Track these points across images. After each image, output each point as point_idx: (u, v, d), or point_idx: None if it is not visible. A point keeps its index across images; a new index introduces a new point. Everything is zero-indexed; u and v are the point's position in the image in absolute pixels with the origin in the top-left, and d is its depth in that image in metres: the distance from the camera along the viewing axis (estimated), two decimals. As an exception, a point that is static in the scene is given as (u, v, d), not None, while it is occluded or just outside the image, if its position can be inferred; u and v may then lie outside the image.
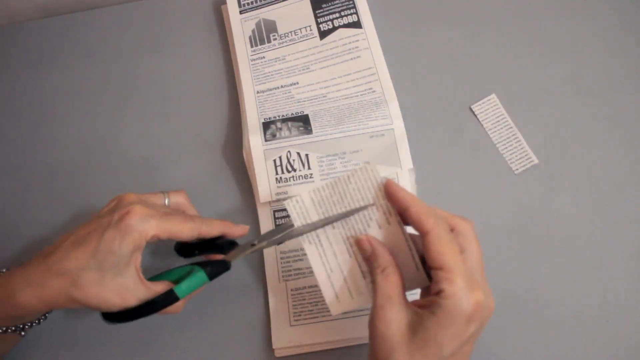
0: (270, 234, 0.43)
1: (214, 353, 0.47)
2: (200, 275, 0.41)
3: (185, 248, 0.45)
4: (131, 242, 0.39)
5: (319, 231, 0.40)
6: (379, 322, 0.36)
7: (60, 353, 0.48)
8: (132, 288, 0.40)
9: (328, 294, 0.41)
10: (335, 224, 0.40)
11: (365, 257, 0.39)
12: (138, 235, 0.39)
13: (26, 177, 0.55)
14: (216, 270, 0.42)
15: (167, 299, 0.40)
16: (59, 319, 0.47)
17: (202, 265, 0.42)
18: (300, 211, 0.40)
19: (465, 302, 0.34)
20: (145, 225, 0.40)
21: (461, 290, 0.34)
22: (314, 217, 0.40)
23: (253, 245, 0.43)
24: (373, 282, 0.38)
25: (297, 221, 0.40)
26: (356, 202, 0.39)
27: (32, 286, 0.39)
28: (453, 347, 0.34)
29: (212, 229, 0.43)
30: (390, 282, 0.37)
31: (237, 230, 0.45)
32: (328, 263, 0.40)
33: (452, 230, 0.37)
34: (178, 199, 0.45)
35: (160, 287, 0.41)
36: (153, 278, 0.43)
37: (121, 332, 0.48)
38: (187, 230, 0.41)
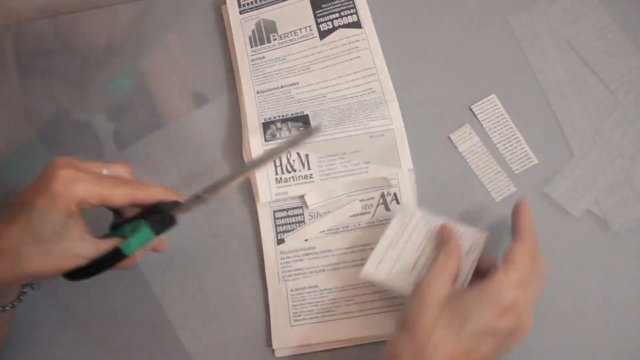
0: (220, 180, 0.41)
1: (214, 353, 0.47)
2: (146, 231, 0.39)
3: (119, 225, 0.42)
4: (62, 208, 0.36)
5: (415, 216, 0.45)
6: (423, 284, 0.38)
7: (59, 352, 0.48)
8: (79, 249, 0.37)
9: (373, 258, 0.43)
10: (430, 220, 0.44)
11: (441, 240, 0.42)
12: (66, 200, 0.36)
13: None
14: (162, 225, 0.40)
15: (114, 257, 0.39)
16: (55, 316, 0.47)
17: (149, 220, 0.40)
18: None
19: (507, 292, 0.36)
20: (72, 189, 0.36)
21: (509, 282, 0.36)
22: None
23: (199, 197, 0.41)
24: (435, 259, 0.40)
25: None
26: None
27: None
28: (477, 326, 0.35)
29: (149, 195, 0.40)
30: (449, 261, 0.39)
31: (176, 197, 0.42)
32: (397, 241, 0.44)
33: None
34: (118, 171, 0.41)
35: (108, 245, 0.38)
36: (107, 235, 0.41)
37: (120, 331, 0.48)
38: (120, 195, 0.38)
